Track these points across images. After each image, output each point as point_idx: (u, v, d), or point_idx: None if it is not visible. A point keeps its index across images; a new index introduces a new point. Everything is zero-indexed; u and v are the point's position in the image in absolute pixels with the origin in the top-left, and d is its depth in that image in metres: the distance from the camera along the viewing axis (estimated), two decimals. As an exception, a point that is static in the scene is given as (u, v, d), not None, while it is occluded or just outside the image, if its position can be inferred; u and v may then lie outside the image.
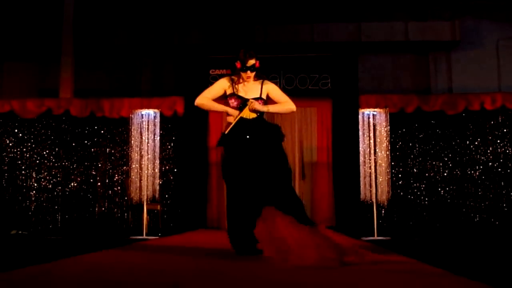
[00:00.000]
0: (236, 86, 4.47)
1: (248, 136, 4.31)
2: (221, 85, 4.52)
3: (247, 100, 4.37)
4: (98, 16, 10.95)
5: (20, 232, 9.17)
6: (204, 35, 10.42)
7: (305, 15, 10.68)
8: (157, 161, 8.74)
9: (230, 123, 4.37)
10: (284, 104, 4.55)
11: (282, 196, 4.21)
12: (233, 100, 4.40)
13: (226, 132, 4.37)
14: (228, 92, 4.48)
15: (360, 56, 10.15)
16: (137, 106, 9.08)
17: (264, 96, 4.47)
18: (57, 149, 9.57)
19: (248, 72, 4.40)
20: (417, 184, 9.26)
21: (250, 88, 4.47)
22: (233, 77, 4.50)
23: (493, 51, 10.70)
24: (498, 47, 10.71)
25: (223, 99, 4.57)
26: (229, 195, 4.43)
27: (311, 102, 9.84)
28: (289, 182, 4.38)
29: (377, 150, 8.41)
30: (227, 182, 4.43)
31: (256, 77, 4.51)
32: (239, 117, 4.33)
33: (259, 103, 4.37)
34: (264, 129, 4.40)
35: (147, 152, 8.66)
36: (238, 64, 4.40)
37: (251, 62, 4.38)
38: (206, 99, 4.48)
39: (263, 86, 4.50)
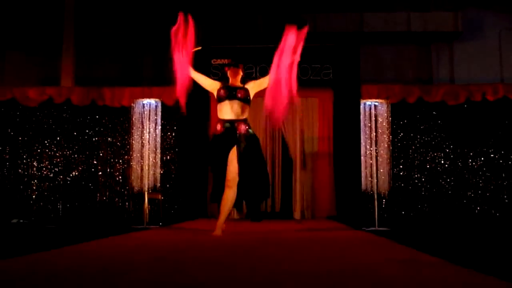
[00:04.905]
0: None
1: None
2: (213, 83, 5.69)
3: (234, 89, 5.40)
4: (100, 5, 10.93)
5: (21, 220, 9.20)
6: (206, 25, 10.39)
7: (307, 5, 10.64)
8: (158, 151, 8.74)
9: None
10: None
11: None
12: (222, 92, 5.38)
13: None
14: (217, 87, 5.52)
15: (362, 47, 10.14)
16: (139, 95, 9.06)
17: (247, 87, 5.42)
18: (58, 137, 9.56)
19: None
20: (418, 175, 9.26)
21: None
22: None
23: (495, 42, 10.69)
24: (500, 38, 10.70)
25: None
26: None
27: (312, 92, 9.80)
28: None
29: (378, 140, 8.40)
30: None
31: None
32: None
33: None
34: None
35: (148, 142, 8.65)
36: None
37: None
38: (198, 74, 5.71)
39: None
